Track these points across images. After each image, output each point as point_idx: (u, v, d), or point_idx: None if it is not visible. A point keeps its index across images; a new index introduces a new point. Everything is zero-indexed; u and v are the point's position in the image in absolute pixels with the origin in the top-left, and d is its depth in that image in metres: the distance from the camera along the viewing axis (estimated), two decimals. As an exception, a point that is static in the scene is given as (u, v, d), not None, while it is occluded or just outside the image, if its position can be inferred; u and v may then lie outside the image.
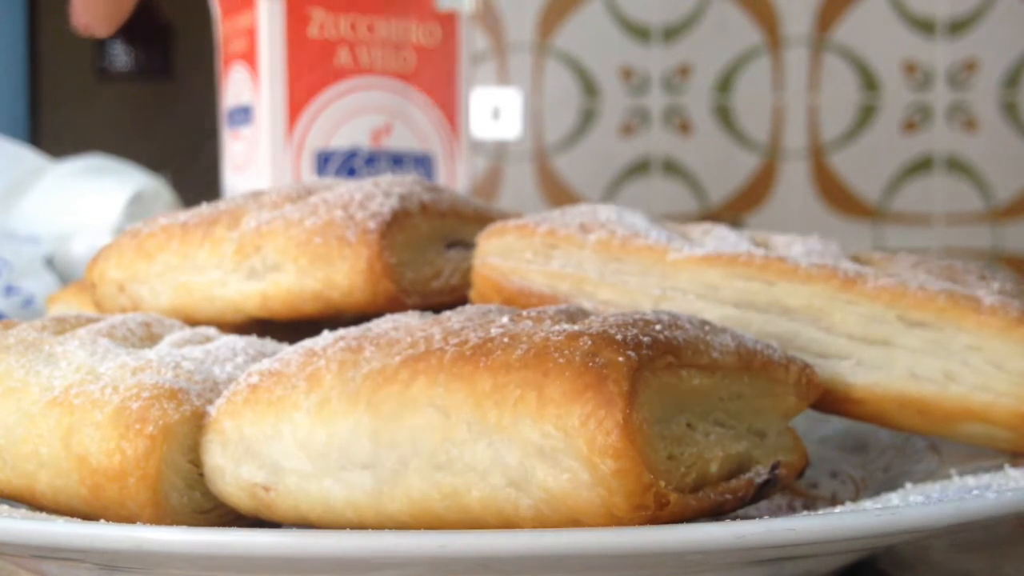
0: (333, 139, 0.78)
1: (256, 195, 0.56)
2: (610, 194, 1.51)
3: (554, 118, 1.53)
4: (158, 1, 3.56)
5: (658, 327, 0.37)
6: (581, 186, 1.53)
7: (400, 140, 0.79)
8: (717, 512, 0.37)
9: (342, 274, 0.51)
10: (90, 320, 0.48)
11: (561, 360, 0.35)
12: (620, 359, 0.34)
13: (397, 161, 0.79)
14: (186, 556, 0.34)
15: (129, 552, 0.34)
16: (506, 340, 0.37)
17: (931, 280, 0.46)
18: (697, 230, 0.51)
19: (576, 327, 0.37)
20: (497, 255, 0.51)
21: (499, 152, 1.54)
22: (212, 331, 0.49)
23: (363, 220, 0.51)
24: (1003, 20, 1.43)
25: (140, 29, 3.58)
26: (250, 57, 0.77)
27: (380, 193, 0.53)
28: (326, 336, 0.42)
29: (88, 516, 0.41)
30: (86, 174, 1.05)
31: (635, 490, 0.34)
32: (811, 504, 0.52)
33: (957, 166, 1.45)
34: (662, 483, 0.34)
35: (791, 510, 0.51)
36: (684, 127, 1.50)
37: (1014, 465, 0.44)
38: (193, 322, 0.52)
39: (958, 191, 1.45)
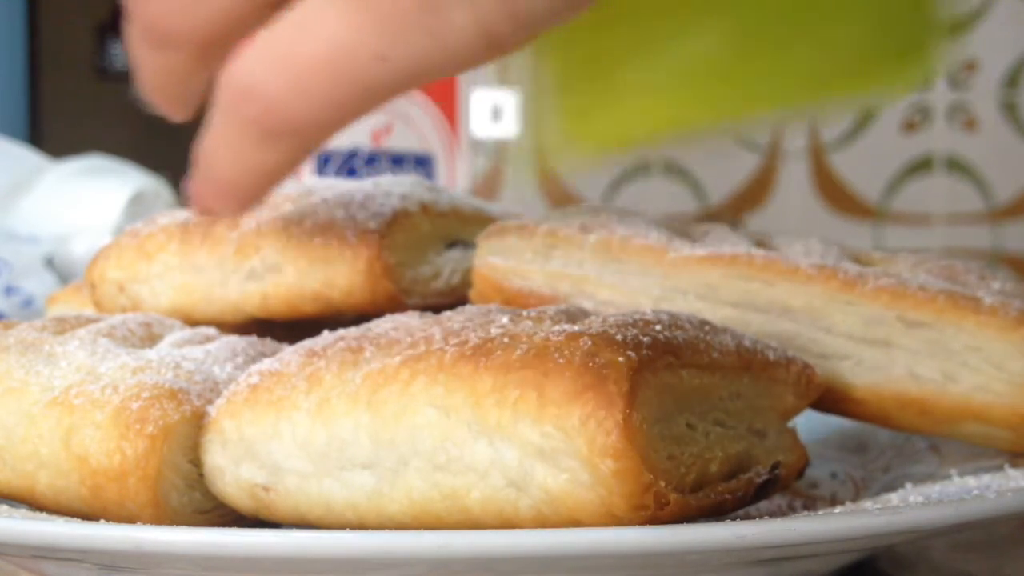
0: (333, 139, 0.78)
1: (256, 195, 0.56)
2: (610, 194, 1.51)
3: (554, 118, 1.53)
4: (158, 1, 3.55)
5: (658, 327, 0.37)
6: (581, 186, 1.52)
7: (400, 140, 0.79)
8: (717, 512, 0.37)
9: (342, 274, 0.51)
10: (90, 320, 0.48)
11: (561, 360, 0.35)
12: (620, 359, 0.34)
13: (397, 161, 0.79)
14: (186, 556, 0.34)
15: (129, 552, 0.34)
16: (506, 340, 0.37)
17: (931, 280, 0.46)
18: (697, 230, 0.51)
19: (576, 327, 0.37)
20: (497, 255, 0.51)
21: (499, 152, 1.54)
22: (212, 331, 0.49)
23: (363, 220, 0.51)
24: (1003, 20, 1.42)
25: (140, 29, 3.57)
26: (250, 57, 0.77)
27: (380, 193, 0.53)
28: (326, 336, 0.42)
29: (88, 516, 0.41)
30: (86, 174, 1.05)
31: (635, 490, 0.34)
32: (811, 504, 0.52)
33: (957, 166, 1.45)
34: (662, 483, 0.34)
35: (791, 510, 0.51)
36: (684, 127, 1.50)
37: (1014, 465, 0.44)
38: (193, 322, 0.52)
39: (958, 191, 1.45)
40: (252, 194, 0.32)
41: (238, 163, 0.31)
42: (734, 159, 1.49)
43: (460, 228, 0.56)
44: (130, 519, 0.40)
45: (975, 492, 0.39)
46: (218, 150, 0.31)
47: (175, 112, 0.33)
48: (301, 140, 0.31)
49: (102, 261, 0.57)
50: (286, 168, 0.32)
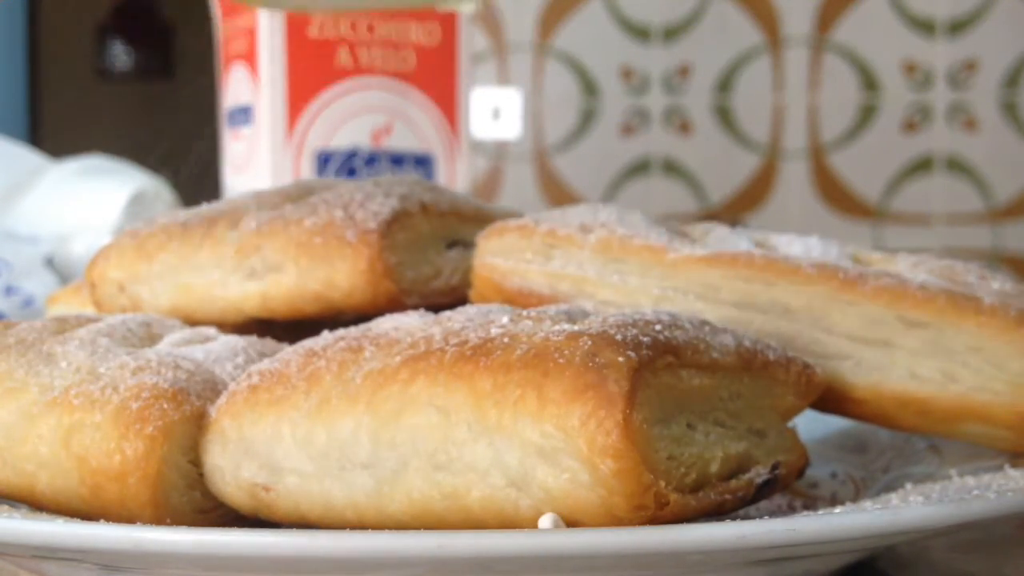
0: (333, 139, 0.78)
1: (256, 195, 0.56)
2: (610, 194, 1.51)
3: (554, 118, 1.53)
4: (158, 1, 3.56)
5: (658, 327, 0.37)
6: (581, 186, 1.53)
7: (400, 140, 0.79)
8: (717, 512, 0.37)
9: (342, 274, 0.51)
10: (90, 320, 0.48)
11: (561, 360, 0.35)
12: (620, 359, 0.34)
13: (397, 161, 0.79)
14: (186, 556, 0.34)
15: (129, 552, 0.34)
16: (506, 340, 0.37)
17: (931, 280, 0.46)
18: (697, 230, 0.51)
19: (576, 327, 0.37)
20: (497, 255, 0.51)
21: (499, 152, 1.54)
22: (212, 331, 0.49)
23: (363, 220, 0.51)
24: (1003, 20, 1.43)
25: (140, 29, 3.58)
26: (250, 57, 0.77)
27: (380, 193, 0.53)
28: (326, 336, 0.42)
29: (88, 516, 0.41)
30: (86, 174, 1.05)
31: (635, 490, 0.34)
32: (811, 504, 0.52)
33: (957, 166, 1.45)
34: (662, 483, 0.34)
35: (791, 510, 0.51)
36: (684, 127, 1.50)
37: (1014, 465, 0.44)
38: (193, 322, 0.52)
39: (958, 191, 1.45)
40: None
41: None
42: (734, 159, 1.49)
43: (460, 228, 0.56)
44: (130, 519, 0.40)
45: (975, 492, 0.39)
46: None
47: None
48: None
49: (102, 261, 0.57)
50: None
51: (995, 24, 1.43)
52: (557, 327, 0.37)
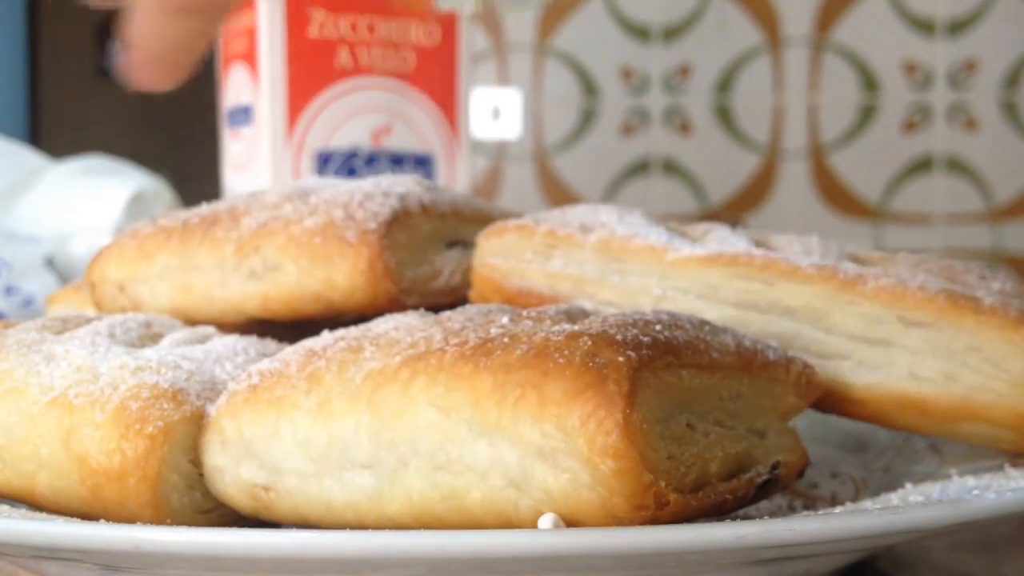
0: (333, 139, 0.78)
1: (256, 195, 0.56)
2: (610, 194, 1.51)
3: (554, 118, 1.53)
4: (158, 1, 3.55)
5: (658, 327, 0.37)
6: (581, 186, 1.52)
7: (400, 140, 0.79)
8: (717, 512, 0.37)
9: (342, 274, 0.51)
10: (90, 320, 0.48)
11: (561, 360, 0.35)
12: (620, 359, 0.34)
13: (397, 161, 0.79)
14: (186, 556, 0.34)
15: (129, 552, 0.34)
16: (506, 340, 0.37)
17: (931, 280, 0.46)
18: (697, 230, 0.51)
19: (576, 327, 0.37)
20: (497, 255, 0.51)
21: (499, 152, 1.54)
22: (212, 331, 0.49)
23: (363, 220, 0.51)
24: (1003, 20, 1.42)
25: (140, 29, 3.57)
26: (250, 57, 0.77)
27: (380, 193, 0.53)
28: (326, 336, 0.42)
29: (88, 516, 0.41)
30: (86, 174, 1.05)
31: (635, 490, 0.34)
32: (811, 504, 0.52)
33: (957, 166, 1.45)
34: (662, 483, 0.34)
35: (791, 510, 0.51)
36: (684, 127, 1.50)
37: (1014, 465, 0.44)
38: (193, 322, 0.52)
39: (958, 191, 1.45)
40: (178, 64, 0.40)
41: (163, 36, 0.39)
42: (734, 159, 1.49)
43: (460, 228, 0.56)
44: (130, 519, 0.40)
45: (975, 492, 0.39)
46: (146, 28, 0.39)
47: (173, 80, 0.40)
48: (206, 14, 0.39)
49: (102, 261, 0.57)
50: (200, 40, 0.39)
51: (995, 24, 1.43)
52: (557, 327, 0.37)
